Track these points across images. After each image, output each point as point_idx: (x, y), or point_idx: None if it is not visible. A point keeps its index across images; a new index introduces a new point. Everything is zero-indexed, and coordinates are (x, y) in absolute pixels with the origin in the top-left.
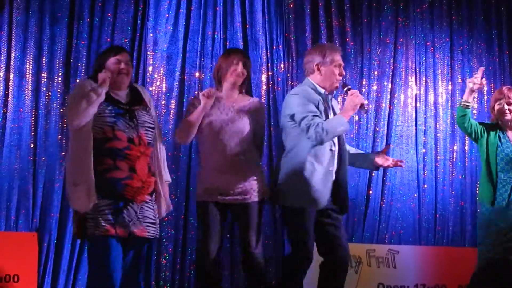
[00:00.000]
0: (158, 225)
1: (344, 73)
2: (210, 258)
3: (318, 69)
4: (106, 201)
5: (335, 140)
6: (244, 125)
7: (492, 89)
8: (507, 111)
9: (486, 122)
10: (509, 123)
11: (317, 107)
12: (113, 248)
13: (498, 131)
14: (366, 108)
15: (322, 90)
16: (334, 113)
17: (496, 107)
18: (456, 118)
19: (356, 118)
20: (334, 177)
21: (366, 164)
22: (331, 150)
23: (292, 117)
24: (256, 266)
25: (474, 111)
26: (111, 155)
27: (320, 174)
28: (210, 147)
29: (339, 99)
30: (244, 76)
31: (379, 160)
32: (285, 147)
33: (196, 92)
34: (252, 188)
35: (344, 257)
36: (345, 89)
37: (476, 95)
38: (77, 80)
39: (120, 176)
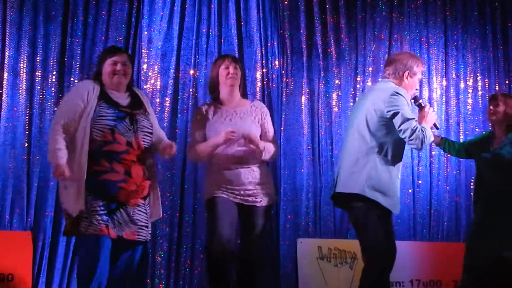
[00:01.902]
0: (150, 229)
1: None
2: (226, 247)
3: (407, 78)
4: (100, 202)
5: None
6: (250, 128)
7: (487, 84)
8: (492, 111)
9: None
10: (494, 124)
11: None
12: (104, 247)
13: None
14: (439, 126)
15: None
16: None
17: None
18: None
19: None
20: None
21: None
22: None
23: (394, 115)
24: (251, 269)
25: (468, 107)
26: (108, 157)
27: (398, 181)
28: (219, 151)
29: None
30: (239, 77)
31: None
32: (364, 137)
33: (190, 90)
34: (263, 192)
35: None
36: (418, 102)
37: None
38: (71, 79)
39: (116, 178)
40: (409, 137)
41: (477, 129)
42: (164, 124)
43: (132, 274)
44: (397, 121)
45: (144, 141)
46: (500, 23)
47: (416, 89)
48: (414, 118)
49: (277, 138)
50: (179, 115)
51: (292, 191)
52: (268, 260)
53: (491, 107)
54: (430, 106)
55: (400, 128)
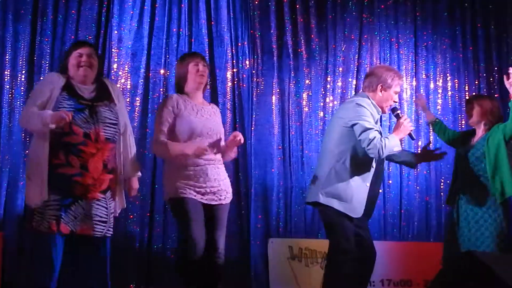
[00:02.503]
0: (111, 223)
1: (397, 101)
2: (199, 248)
3: (380, 90)
4: (55, 196)
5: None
6: (218, 126)
7: (456, 84)
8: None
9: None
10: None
11: (375, 123)
12: (54, 245)
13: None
14: (414, 137)
15: (379, 109)
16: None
17: None
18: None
19: (321, 114)
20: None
21: (408, 159)
22: (373, 167)
23: (353, 125)
24: (219, 266)
25: (438, 107)
26: (65, 150)
27: (361, 186)
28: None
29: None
30: (207, 76)
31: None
32: (329, 146)
33: (161, 89)
34: (225, 189)
35: (373, 255)
36: (395, 112)
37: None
38: (41, 78)
39: (71, 172)
40: (367, 146)
41: None
42: (135, 124)
43: (91, 270)
44: (357, 131)
45: (105, 132)
46: (470, 24)
47: (395, 101)
48: (373, 128)
49: (248, 138)
50: (150, 115)
51: (262, 191)
52: (239, 260)
53: (468, 111)
54: (407, 117)
55: (359, 138)
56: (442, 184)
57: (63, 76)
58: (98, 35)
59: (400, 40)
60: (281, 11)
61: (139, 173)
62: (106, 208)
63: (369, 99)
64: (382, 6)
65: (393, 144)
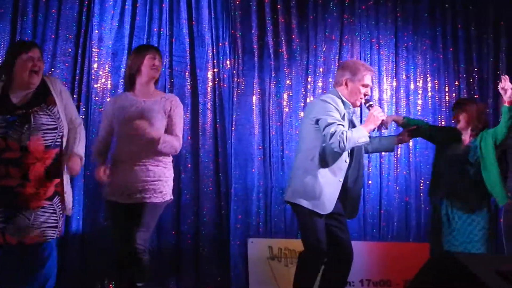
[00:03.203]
0: (60, 225)
1: (369, 93)
2: (125, 250)
3: (346, 84)
4: None
5: (349, 152)
6: (154, 119)
7: (437, 85)
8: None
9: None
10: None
11: (342, 118)
12: (3, 256)
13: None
14: (387, 126)
15: (348, 104)
16: (354, 127)
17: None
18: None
19: (302, 114)
20: (340, 187)
21: (387, 143)
22: (345, 161)
23: (317, 121)
24: (141, 260)
25: (418, 107)
26: (4, 163)
27: (332, 182)
28: (118, 141)
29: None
30: (159, 71)
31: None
32: (300, 146)
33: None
34: (154, 188)
35: (349, 255)
36: (367, 104)
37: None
38: None
39: (12, 184)
40: (329, 140)
41: None
42: None
43: (46, 273)
44: (321, 126)
45: (44, 140)
46: (450, 25)
47: (365, 94)
48: (335, 123)
49: (228, 138)
50: None
51: (243, 191)
52: (218, 260)
53: (455, 116)
54: (379, 106)
55: (323, 133)
56: (421, 184)
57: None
58: (78, 34)
59: (381, 41)
60: (262, 11)
61: (79, 152)
62: (55, 213)
63: (337, 94)
64: (363, 6)
65: (357, 136)
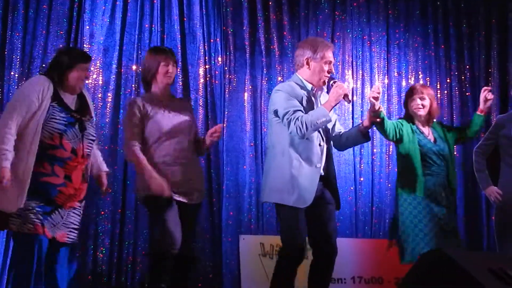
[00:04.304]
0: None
1: (333, 70)
2: (176, 248)
3: (308, 64)
4: (36, 202)
5: (323, 135)
6: (188, 123)
7: (428, 82)
8: (420, 106)
9: (396, 119)
10: (422, 118)
11: (301, 102)
12: (41, 245)
13: (411, 126)
14: (350, 99)
15: (309, 86)
16: None
17: (410, 103)
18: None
19: None
20: (323, 173)
21: (355, 132)
22: (320, 145)
23: (275, 113)
24: (194, 265)
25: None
26: (51, 161)
27: (308, 172)
28: (159, 146)
29: None
30: (174, 76)
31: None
32: (269, 143)
33: (133, 85)
34: (194, 188)
35: (331, 246)
36: (331, 82)
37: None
38: (12, 73)
39: (56, 182)
40: (288, 129)
41: None
42: (106, 120)
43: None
44: (280, 118)
45: (88, 149)
46: (442, 22)
47: (329, 72)
48: (289, 111)
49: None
50: (121, 111)
51: (234, 188)
52: (210, 257)
53: (418, 101)
54: (341, 81)
55: (283, 123)
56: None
57: (50, 82)
58: (69, 30)
59: (372, 38)
60: (253, 8)
61: (107, 169)
62: (80, 216)
63: (296, 78)
64: (355, 4)
65: (315, 117)
